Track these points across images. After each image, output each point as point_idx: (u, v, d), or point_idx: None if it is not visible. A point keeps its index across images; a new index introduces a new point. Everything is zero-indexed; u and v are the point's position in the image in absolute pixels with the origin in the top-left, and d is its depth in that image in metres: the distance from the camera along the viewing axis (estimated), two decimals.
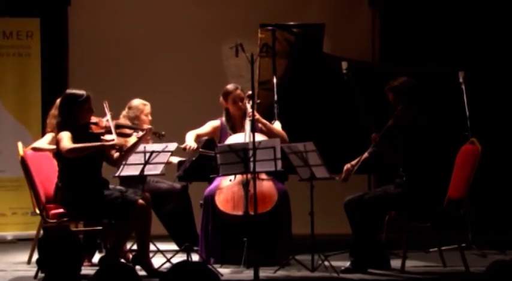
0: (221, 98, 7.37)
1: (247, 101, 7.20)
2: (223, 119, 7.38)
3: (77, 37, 9.44)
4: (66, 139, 6.31)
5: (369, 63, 9.20)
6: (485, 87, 9.24)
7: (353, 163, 6.71)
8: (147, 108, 7.63)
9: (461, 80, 7.91)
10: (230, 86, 7.37)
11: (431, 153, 6.62)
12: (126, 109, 7.63)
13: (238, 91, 7.28)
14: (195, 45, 9.59)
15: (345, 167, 6.72)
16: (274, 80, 7.73)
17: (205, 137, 7.07)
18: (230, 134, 7.24)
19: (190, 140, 7.15)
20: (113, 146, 6.45)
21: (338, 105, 7.87)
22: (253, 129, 6.58)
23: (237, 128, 7.30)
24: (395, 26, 9.69)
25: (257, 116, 7.13)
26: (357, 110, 7.20)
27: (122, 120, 7.40)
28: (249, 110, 7.09)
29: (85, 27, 9.48)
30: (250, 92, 7.19)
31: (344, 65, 7.78)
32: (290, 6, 9.62)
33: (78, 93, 6.50)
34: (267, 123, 7.26)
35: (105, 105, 6.66)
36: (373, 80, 6.95)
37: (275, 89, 7.64)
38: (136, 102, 7.65)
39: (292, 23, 8.22)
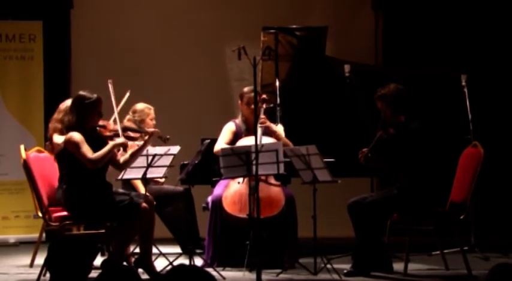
0: (239, 100, 7.37)
1: (261, 105, 7.14)
2: (237, 121, 7.36)
3: (79, 40, 9.45)
4: (85, 148, 6.32)
5: (371, 66, 9.20)
6: (487, 90, 9.25)
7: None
8: (152, 112, 7.72)
9: (463, 83, 7.90)
10: (246, 88, 7.30)
11: (427, 157, 6.60)
12: (130, 113, 7.69)
13: (253, 94, 7.17)
14: (198, 48, 9.60)
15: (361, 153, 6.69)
16: (277, 83, 7.73)
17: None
18: (244, 136, 7.22)
19: None
20: (123, 145, 6.49)
21: (341, 109, 7.87)
22: (255, 132, 6.56)
23: (251, 131, 7.21)
24: (398, 29, 9.69)
25: (268, 123, 7.12)
26: (360, 113, 7.19)
27: (128, 123, 7.43)
28: (261, 116, 7.06)
29: (88, 30, 9.49)
30: (264, 96, 7.17)
31: (347, 68, 7.78)
32: (293, 9, 9.63)
33: (86, 96, 6.50)
34: (277, 131, 7.21)
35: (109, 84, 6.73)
36: (376, 83, 6.94)
37: (278, 92, 7.63)
38: (141, 106, 7.73)
39: (294, 26, 8.23)
